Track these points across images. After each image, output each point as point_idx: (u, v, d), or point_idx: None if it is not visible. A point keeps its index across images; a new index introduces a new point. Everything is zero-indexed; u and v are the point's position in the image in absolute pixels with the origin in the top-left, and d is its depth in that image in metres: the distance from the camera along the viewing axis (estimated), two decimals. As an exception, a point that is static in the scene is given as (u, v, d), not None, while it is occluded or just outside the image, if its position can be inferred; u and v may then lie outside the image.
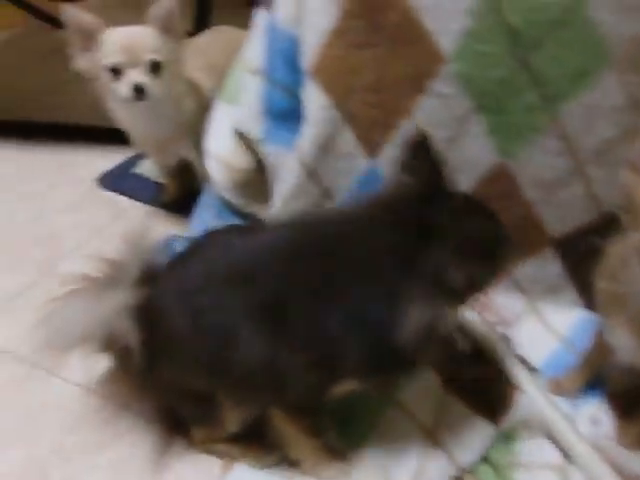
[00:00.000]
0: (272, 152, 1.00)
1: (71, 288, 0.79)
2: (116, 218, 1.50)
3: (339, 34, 0.87)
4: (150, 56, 1.14)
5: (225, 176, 1.07)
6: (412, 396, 0.90)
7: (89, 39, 1.14)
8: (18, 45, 2.59)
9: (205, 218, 1.21)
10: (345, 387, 0.76)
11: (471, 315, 0.98)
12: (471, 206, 0.72)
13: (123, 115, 1.28)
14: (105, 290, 0.76)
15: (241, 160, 1.02)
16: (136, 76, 1.14)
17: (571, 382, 0.92)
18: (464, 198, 0.74)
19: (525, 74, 0.82)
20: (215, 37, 1.46)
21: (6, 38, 2.62)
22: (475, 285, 0.68)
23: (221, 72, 1.24)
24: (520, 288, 1.01)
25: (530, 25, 0.80)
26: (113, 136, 1.79)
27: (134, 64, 1.14)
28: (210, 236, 0.87)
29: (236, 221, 1.14)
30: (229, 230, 0.91)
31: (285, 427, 0.81)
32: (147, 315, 0.75)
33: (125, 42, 1.14)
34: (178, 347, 0.76)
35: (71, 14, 1.12)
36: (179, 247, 1.15)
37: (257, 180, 1.06)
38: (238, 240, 0.79)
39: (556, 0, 0.78)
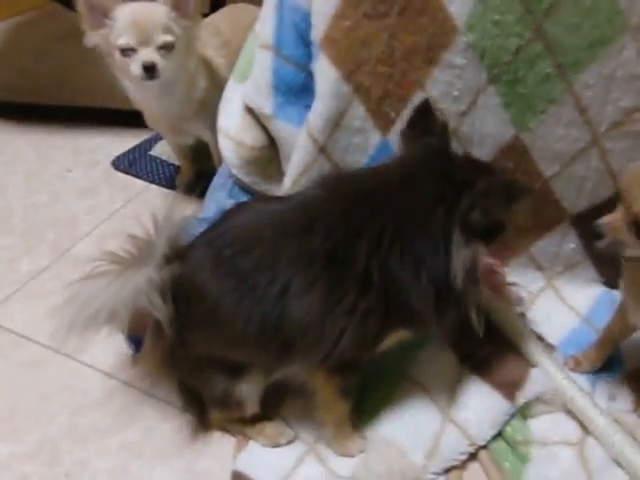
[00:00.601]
0: (282, 128, 0.99)
1: (95, 268, 0.80)
2: (131, 201, 1.50)
3: (348, 5, 0.85)
4: (162, 35, 1.14)
5: (236, 154, 1.06)
6: (427, 372, 0.90)
7: (101, 15, 1.14)
8: (35, 28, 2.60)
9: (218, 198, 1.21)
10: (393, 338, 0.78)
11: (488, 294, 0.97)
12: (477, 162, 0.80)
13: (137, 94, 1.28)
14: (131, 268, 0.77)
15: (252, 137, 1.01)
16: (147, 55, 1.13)
17: (589, 359, 0.91)
18: (467, 156, 0.81)
19: (540, 43, 0.80)
20: (229, 14, 1.45)
21: (23, 21, 2.64)
22: (498, 227, 0.74)
23: (235, 50, 1.24)
24: (538, 265, 0.99)
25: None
26: (129, 119, 1.81)
27: (145, 43, 1.13)
28: (241, 205, 0.89)
29: (245, 199, 1.13)
30: (257, 199, 0.94)
31: (323, 389, 0.81)
32: (180, 290, 0.76)
33: (137, 21, 1.13)
34: (220, 316, 0.75)
35: None
36: (195, 228, 1.16)
37: (268, 157, 1.06)
38: (273, 204, 0.81)
39: None
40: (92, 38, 1.17)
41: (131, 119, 1.82)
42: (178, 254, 0.79)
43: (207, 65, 1.29)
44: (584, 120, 0.85)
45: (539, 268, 0.99)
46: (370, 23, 0.85)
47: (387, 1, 0.83)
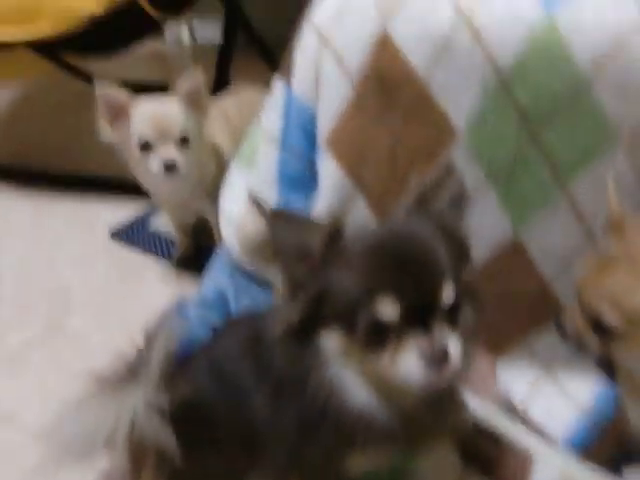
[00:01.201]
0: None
1: (87, 387, 0.75)
2: (127, 274, 1.50)
3: (355, 108, 0.89)
4: (179, 130, 1.16)
5: (238, 239, 1.08)
6: (430, 470, 0.88)
7: (119, 112, 1.16)
8: (41, 95, 2.67)
9: (216, 277, 1.21)
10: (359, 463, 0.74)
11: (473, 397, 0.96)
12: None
13: (148, 181, 1.30)
14: (126, 388, 0.73)
15: (254, 225, 1.03)
16: (167, 152, 1.15)
17: (595, 454, 0.89)
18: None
19: (535, 150, 0.84)
20: (237, 100, 1.50)
21: (30, 87, 2.70)
22: None
23: (240, 134, 1.28)
24: (534, 353, 0.99)
25: (539, 104, 0.81)
26: (128, 187, 1.83)
27: (164, 139, 1.15)
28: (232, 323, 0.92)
29: (247, 283, 1.14)
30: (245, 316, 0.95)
31: None
32: (179, 409, 0.73)
33: (155, 117, 1.16)
34: (215, 425, 0.76)
35: (103, 88, 1.14)
36: (190, 311, 1.16)
37: (269, 242, 1.07)
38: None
39: (562, 81, 0.79)
40: (108, 134, 1.19)
41: (130, 188, 1.85)
42: (174, 371, 0.77)
43: (216, 150, 1.33)
44: (580, 222, 0.88)
45: (536, 356, 0.99)
46: (374, 126, 0.88)
47: (391, 107, 0.87)
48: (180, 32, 2.89)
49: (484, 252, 0.92)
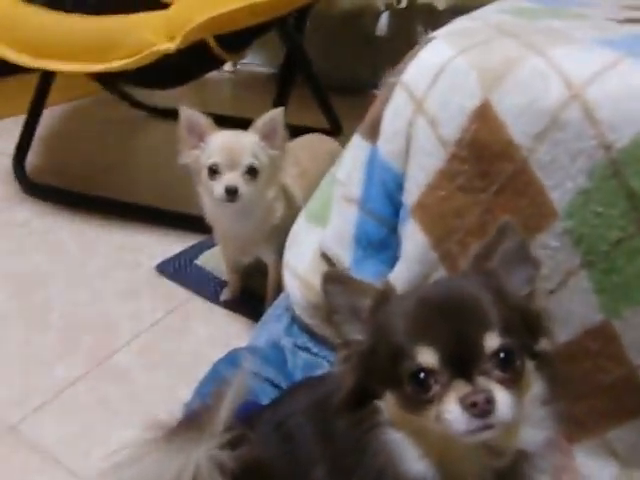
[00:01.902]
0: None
1: (145, 434, 0.74)
2: (174, 310, 1.47)
3: (445, 177, 0.85)
4: (248, 160, 1.19)
5: (303, 294, 1.04)
6: None
7: (198, 138, 1.21)
8: (88, 115, 2.70)
9: (271, 329, 1.17)
10: None
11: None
12: None
13: (214, 212, 1.31)
14: (190, 441, 0.72)
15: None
16: (231, 179, 1.18)
17: None
18: None
19: (643, 239, 0.79)
20: (308, 144, 1.52)
21: (77, 107, 2.73)
22: None
23: (311, 180, 1.29)
24: (612, 452, 0.93)
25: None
26: (176, 221, 1.81)
27: (232, 167, 1.19)
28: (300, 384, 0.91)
29: (306, 339, 1.10)
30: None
31: None
32: (242, 468, 0.71)
33: (227, 145, 1.20)
34: None
35: (187, 113, 1.20)
36: (244, 362, 1.12)
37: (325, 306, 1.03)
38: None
39: None
40: (186, 157, 1.24)
41: (178, 222, 1.83)
42: (239, 431, 0.75)
43: (285, 193, 1.33)
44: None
45: (614, 455, 0.93)
46: (465, 196, 0.85)
47: (486, 178, 0.83)
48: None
49: (571, 333, 0.86)
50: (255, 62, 3.16)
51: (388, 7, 2.73)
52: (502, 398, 0.58)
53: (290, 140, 1.31)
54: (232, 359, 1.13)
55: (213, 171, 1.19)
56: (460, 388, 0.58)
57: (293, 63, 1.99)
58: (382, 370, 0.63)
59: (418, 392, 0.59)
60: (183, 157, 1.24)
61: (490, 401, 0.57)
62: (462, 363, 0.59)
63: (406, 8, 2.62)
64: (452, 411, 0.57)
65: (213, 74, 2.37)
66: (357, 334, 0.65)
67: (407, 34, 2.72)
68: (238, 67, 3.20)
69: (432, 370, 0.59)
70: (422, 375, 0.59)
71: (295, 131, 1.36)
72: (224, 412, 0.74)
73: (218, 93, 3.05)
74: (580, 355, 0.88)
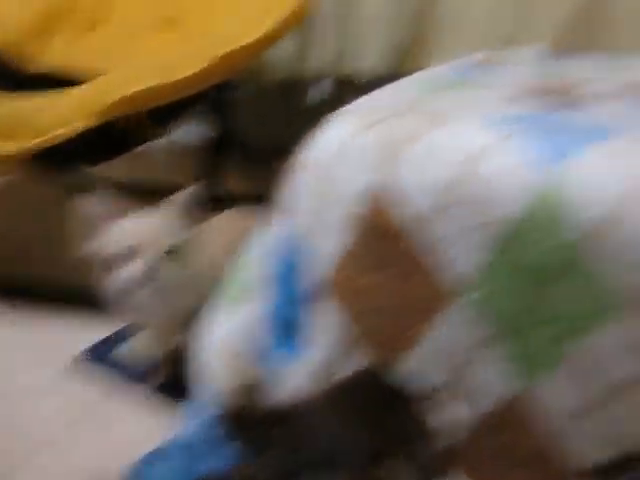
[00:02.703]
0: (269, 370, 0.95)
1: None
2: (97, 403, 1.37)
3: (353, 256, 0.85)
4: (164, 243, 1.14)
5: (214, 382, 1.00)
6: None
7: (98, 227, 1.16)
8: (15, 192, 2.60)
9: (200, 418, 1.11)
10: None
11: None
12: None
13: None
14: None
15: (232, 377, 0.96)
16: (144, 263, 1.12)
17: None
18: None
19: (543, 307, 0.80)
20: (220, 224, 1.47)
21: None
22: None
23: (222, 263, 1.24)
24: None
25: (543, 260, 0.78)
26: (92, 303, 1.71)
27: (144, 251, 1.13)
28: None
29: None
30: None
31: None
32: None
33: (140, 228, 1.15)
34: None
35: (83, 199, 1.15)
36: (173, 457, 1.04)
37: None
38: None
39: (563, 246, 0.76)
40: (87, 248, 1.19)
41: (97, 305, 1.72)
42: None
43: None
44: (594, 374, 0.82)
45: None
46: (373, 275, 0.84)
47: (388, 257, 0.83)
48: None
49: (482, 406, 0.85)
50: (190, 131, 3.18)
51: (319, 78, 2.82)
52: None
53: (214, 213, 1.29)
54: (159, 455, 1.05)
55: (125, 256, 1.14)
56: None
57: (223, 133, 2.01)
58: None
59: None
60: (82, 249, 1.18)
61: None
62: None
63: (335, 79, 2.71)
64: None
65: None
66: None
67: (338, 103, 2.80)
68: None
69: None
70: None
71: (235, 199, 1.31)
72: None
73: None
74: (493, 427, 0.87)
